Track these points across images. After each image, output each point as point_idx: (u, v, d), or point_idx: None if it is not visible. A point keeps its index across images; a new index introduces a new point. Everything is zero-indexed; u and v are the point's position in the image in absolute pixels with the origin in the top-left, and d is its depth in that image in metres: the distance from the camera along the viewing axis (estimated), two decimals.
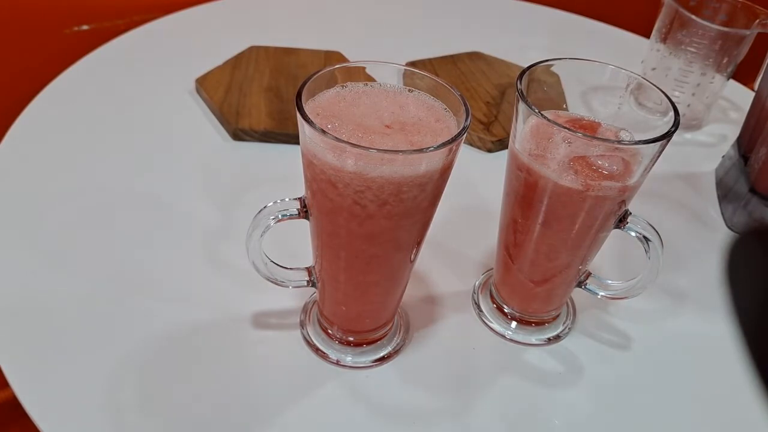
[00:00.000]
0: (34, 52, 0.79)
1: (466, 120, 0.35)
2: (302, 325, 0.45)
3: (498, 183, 0.44)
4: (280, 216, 0.38)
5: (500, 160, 0.59)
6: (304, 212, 0.38)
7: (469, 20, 0.91)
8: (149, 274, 0.47)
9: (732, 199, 0.60)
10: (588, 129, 0.40)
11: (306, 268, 0.42)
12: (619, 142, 0.38)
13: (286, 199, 0.38)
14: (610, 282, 0.44)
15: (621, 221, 0.41)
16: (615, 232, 0.41)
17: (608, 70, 0.42)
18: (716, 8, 0.68)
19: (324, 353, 0.43)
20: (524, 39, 0.87)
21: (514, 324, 0.47)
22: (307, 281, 0.42)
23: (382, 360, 0.43)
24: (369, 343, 0.43)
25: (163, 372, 0.41)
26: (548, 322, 0.47)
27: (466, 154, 0.64)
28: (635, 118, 0.41)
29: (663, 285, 0.52)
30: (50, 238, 0.49)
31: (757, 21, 0.65)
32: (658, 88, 0.40)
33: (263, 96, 0.65)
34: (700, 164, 0.67)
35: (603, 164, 0.37)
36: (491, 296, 0.48)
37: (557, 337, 0.46)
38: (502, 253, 0.45)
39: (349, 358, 0.43)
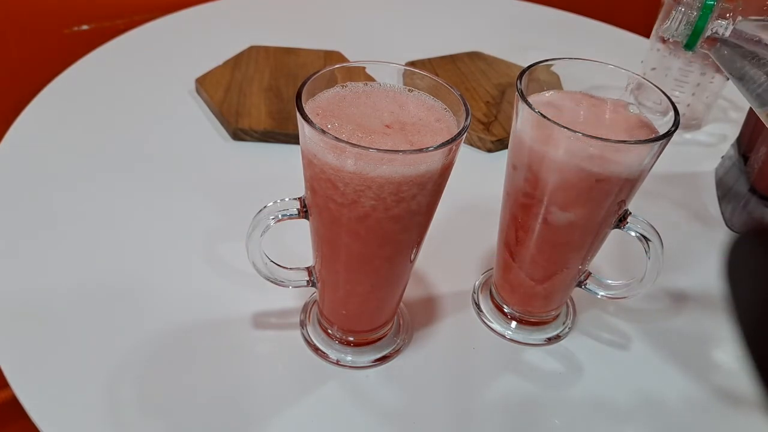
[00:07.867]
0: (34, 52, 0.79)
1: (466, 120, 0.35)
2: (302, 325, 0.45)
3: (498, 183, 0.44)
4: (280, 216, 0.38)
5: (500, 160, 0.59)
6: (304, 212, 0.38)
7: (469, 20, 0.91)
8: (149, 274, 0.47)
9: (732, 198, 0.60)
10: (596, 106, 0.40)
11: (306, 268, 0.42)
12: (620, 141, 0.38)
13: (286, 199, 0.38)
14: (610, 282, 0.44)
15: (621, 221, 0.41)
16: (615, 232, 0.41)
17: (608, 70, 0.42)
18: None
19: (324, 353, 0.43)
20: (524, 39, 0.87)
21: (514, 324, 0.47)
22: (307, 281, 0.42)
23: (382, 360, 0.43)
24: (369, 343, 0.44)
25: (163, 372, 0.41)
26: (548, 322, 0.47)
27: (466, 154, 0.64)
28: None
29: (663, 285, 0.52)
30: (50, 237, 0.49)
31: None
32: (658, 88, 0.40)
33: (263, 96, 0.65)
34: (700, 164, 0.67)
35: (603, 164, 0.37)
36: (491, 296, 0.48)
37: (557, 337, 0.46)
38: (502, 251, 0.45)
39: (349, 358, 0.43)
